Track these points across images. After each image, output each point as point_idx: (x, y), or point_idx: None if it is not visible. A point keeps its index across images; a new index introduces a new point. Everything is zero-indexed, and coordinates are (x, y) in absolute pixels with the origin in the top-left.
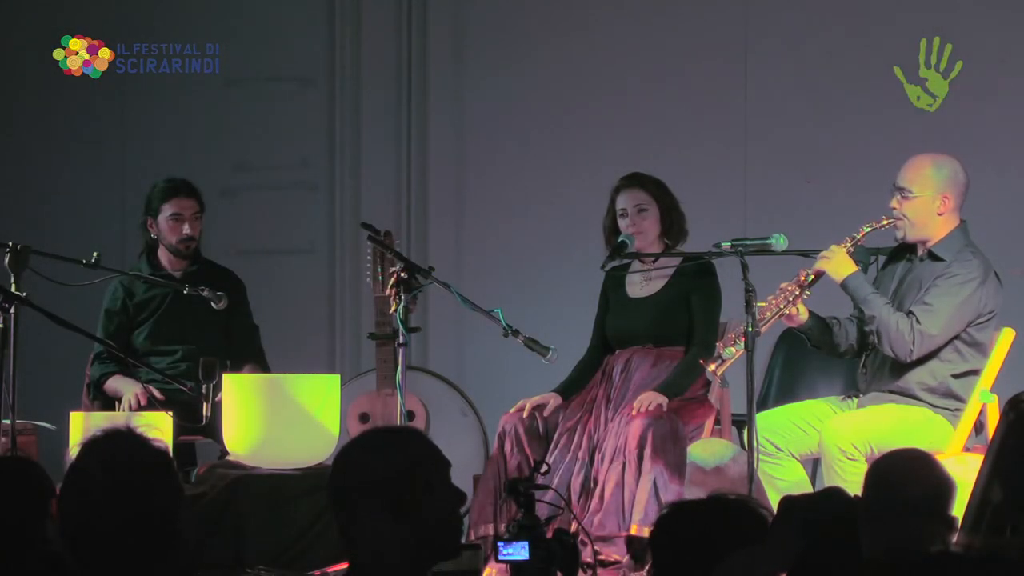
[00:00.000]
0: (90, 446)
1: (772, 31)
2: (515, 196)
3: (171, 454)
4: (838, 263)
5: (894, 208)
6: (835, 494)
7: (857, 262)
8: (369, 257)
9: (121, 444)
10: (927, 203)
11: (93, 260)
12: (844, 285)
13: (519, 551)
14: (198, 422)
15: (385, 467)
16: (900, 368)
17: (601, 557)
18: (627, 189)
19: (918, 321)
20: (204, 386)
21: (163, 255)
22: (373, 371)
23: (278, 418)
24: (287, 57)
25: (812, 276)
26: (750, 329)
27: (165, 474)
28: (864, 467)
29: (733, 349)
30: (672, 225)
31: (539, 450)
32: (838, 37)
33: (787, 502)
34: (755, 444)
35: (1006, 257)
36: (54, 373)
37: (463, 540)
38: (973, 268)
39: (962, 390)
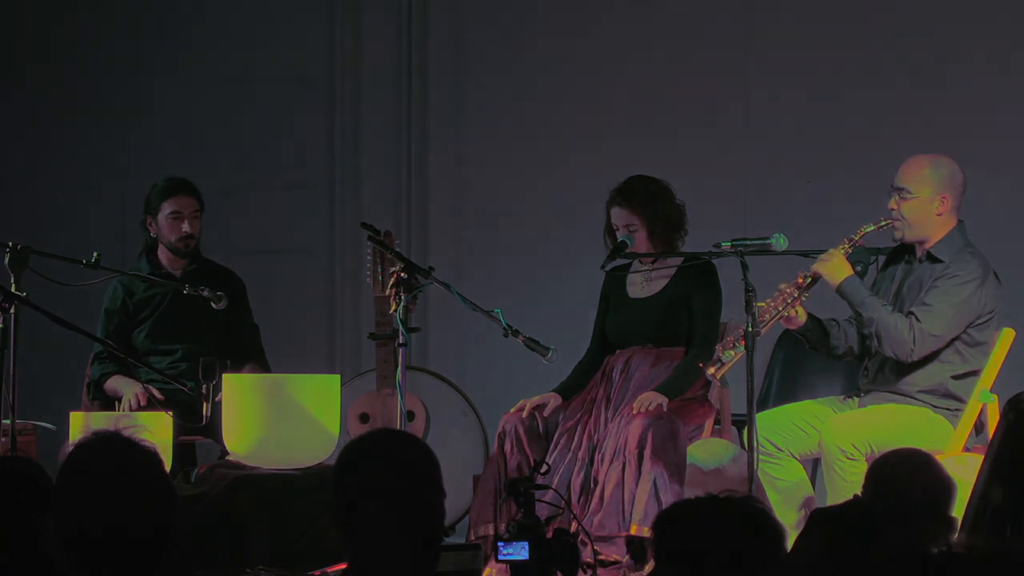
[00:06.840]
0: (78, 451)
1: (773, 31)
2: (515, 196)
3: (160, 454)
4: (834, 267)
5: (892, 209)
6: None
7: (857, 262)
8: (369, 257)
9: (109, 447)
10: (925, 203)
11: (93, 260)
12: (840, 290)
13: (519, 551)
14: (198, 422)
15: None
16: (901, 369)
17: (601, 557)
18: (615, 206)
19: (918, 320)
20: (204, 386)
21: (163, 254)
22: (373, 371)
23: (278, 418)
24: (287, 57)
25: (810, 279)
26: (750, 329)
27: (155, 475)
28: (864, 467)
29: (732, 352)
30: (662, 236)
31: (539, 450)
32: (839, 37)
33: (815, 515)
34: (755, 444)
35: (1006, 257)
36: (54, 373)
37: (463, 540)
38: (972, 268)
39: (962, 391)
